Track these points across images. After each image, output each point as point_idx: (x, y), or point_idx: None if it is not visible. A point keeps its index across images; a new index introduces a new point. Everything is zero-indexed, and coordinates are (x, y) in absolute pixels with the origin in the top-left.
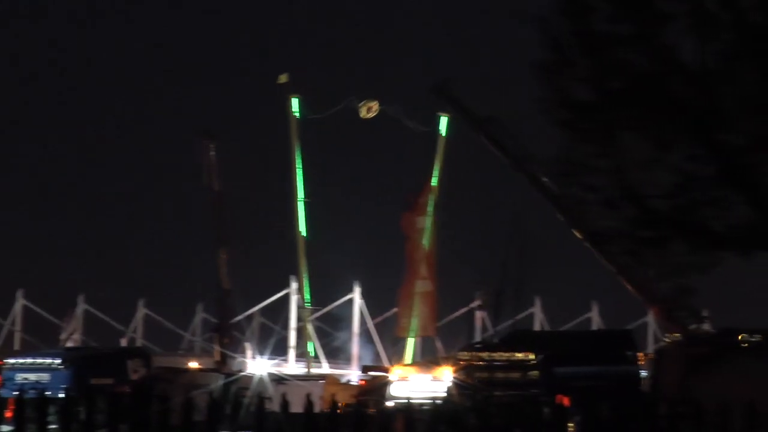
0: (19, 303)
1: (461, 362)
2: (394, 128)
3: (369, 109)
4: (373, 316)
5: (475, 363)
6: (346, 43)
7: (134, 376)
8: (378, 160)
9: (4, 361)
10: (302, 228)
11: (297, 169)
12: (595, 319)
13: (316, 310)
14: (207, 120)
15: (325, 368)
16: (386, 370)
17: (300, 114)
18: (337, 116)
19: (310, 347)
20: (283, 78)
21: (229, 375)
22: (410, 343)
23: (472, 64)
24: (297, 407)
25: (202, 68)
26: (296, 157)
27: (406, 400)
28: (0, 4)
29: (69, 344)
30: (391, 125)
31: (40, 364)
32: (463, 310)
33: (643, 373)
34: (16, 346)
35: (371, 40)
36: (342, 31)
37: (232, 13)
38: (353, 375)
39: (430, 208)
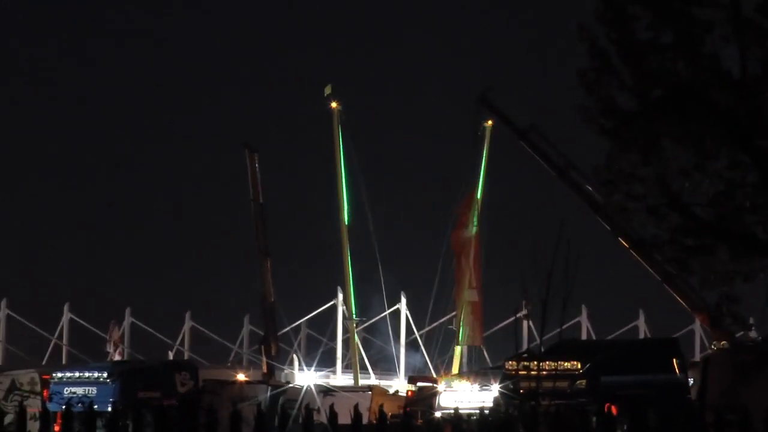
0: (66, 317)
1: (509, 372)
2: (437, 142)
3: None
4: (418, 326)
5: (522, 372)
6: (388, 51)
7: (182, 389)
8: (423, 171)
9: (52, 375)
10: (347, 239)
11: (342, 181)
12: (641, 327)
13: (363, 321)
14: (251, 131)
15: (372, 379)
16: (434, 381)
17: (342, 125)
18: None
19: (356, 358)
20: (328, 89)
21: (276, 387)
22: (458, 353)
23: (516, 72)
24: (345, 418)
25: (246, 80)
26: (341, 169)
27: (454, 410)
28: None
29: (117, 358)
30: (438, 134)
31: (88, 377)
32: (510, 319)
33: (691, 381)
34: (63, 360)
35: (413, 49)
36: (383, 39)
37: (275, 24)
38: (401, 385)
39: (475, 219)
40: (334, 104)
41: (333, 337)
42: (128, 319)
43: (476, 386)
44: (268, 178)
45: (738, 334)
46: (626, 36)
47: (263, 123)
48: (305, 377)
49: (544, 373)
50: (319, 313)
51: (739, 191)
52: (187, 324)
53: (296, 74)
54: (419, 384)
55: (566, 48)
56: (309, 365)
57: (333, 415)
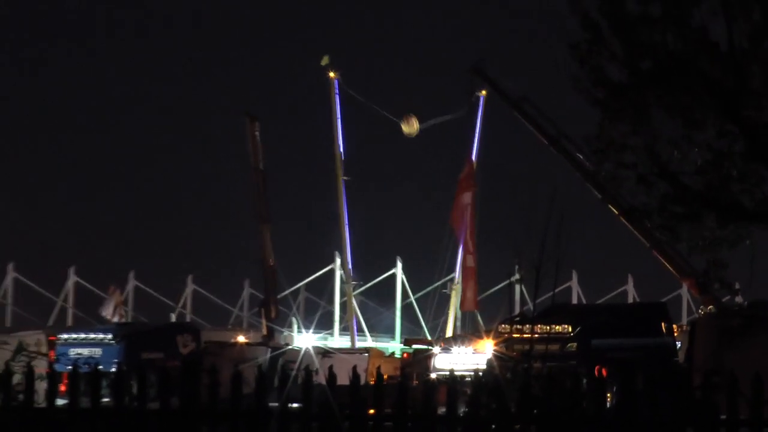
0: (71, 280)
1: (501, 335)
2: (436, 107)
3: (409, 124)
4: (414, 290)
5: (514, 336)
6: (384, 21)
7: (184, 351)
8: (421, 139)
9: (58, 336)
10: (344, 205)
11: (339, 148)
12: (630, 291)
13: (360, 285)
14: (250, 97)
15: (368, 341)
16: (429, 343)
17: (341, 95)
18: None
19: (354, 321)
20: (325, 60)
21: (276, 348)
22: (451, 317)
23: (509, 42)
24: (343, 379)
25: (247, 47)
26: (338, 136)
27: (449, 372)
28: None
29: (115, 319)
30: (432, 104)
31: (93, 339)
32: (503, 284)
33: (678, 345)
34: (69, 322)
35: (408, 18)
36: (379, 10)
37: None
38: (396, 348)
39: (471, 186)
40: (332, 74)
41: (331, 301)
42: (132, 283)
43: (471, 349)
44: (268, 144)
45: (724, 299)
46: (617, 8)
47: (264, 90)
48: (304, 339)
49: (536, 336)
50: (317, 277)
51: (726, 161)
52: (189, 287)
53: (294, 42)
54: (415, 346)
55: (559, 20)
56: (307, 328)
57: (332, 376)
